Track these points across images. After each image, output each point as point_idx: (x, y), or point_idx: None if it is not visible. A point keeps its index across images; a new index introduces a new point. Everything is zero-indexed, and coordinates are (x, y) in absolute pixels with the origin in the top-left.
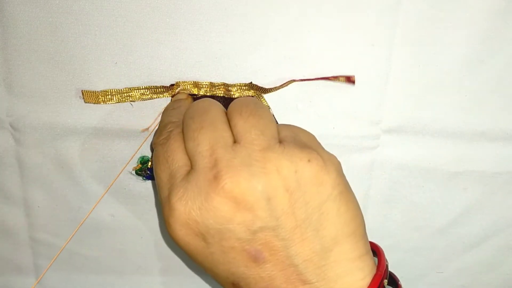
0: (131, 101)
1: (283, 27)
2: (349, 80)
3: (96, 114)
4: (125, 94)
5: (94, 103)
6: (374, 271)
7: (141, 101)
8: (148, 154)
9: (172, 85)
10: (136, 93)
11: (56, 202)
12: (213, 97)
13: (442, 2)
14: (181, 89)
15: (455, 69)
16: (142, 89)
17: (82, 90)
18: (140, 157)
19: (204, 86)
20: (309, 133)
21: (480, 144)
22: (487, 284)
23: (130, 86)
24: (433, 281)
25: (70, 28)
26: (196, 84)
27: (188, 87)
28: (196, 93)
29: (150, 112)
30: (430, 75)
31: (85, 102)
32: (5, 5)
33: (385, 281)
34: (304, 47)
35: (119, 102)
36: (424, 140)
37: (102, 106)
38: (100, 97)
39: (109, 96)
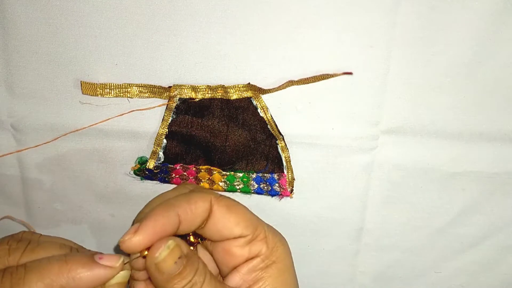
0: (129, 97)
1: (282, 28)
2: (347, 72)
3: (96, 114)
4: (123, 89)
5: (91, 95)
6: None
7: (140, 101)
8: (147, 154)
9: (170, 87)
10: (134, 90)
11: (56, 202)
12: (211, 99)
13: (440, 3)
14: (177, 93)
15: (454, 70)
16: (140, 86)
17: (81, 81)
18: (139, 157)
19: (202, 89)
20: None
21: (478, 145)
22: (485, 283)
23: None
24: (432, 281)
25: (71, 30)
26: (193, 88)
27: (186, 91)
28: (194, 97)
29: (150, 113)
30: (428, 76)
31: (83, 93)
32: (6, 7)
33: None
34: (303, 49)
35: (116, 96)
36: (423, 141)
37: (102, 106)
38: (98, 89)
39: (107, 89)
